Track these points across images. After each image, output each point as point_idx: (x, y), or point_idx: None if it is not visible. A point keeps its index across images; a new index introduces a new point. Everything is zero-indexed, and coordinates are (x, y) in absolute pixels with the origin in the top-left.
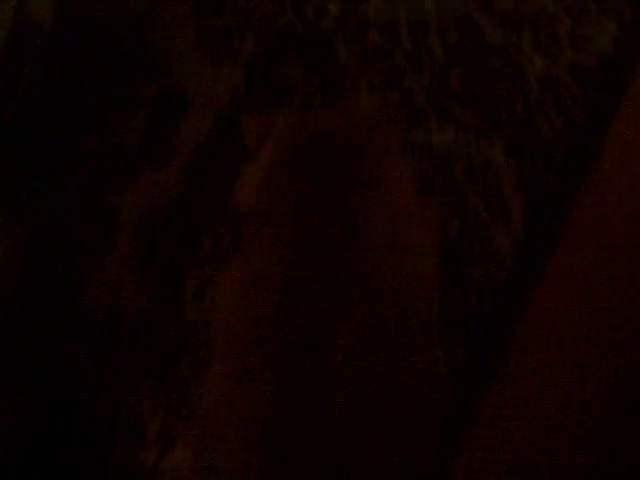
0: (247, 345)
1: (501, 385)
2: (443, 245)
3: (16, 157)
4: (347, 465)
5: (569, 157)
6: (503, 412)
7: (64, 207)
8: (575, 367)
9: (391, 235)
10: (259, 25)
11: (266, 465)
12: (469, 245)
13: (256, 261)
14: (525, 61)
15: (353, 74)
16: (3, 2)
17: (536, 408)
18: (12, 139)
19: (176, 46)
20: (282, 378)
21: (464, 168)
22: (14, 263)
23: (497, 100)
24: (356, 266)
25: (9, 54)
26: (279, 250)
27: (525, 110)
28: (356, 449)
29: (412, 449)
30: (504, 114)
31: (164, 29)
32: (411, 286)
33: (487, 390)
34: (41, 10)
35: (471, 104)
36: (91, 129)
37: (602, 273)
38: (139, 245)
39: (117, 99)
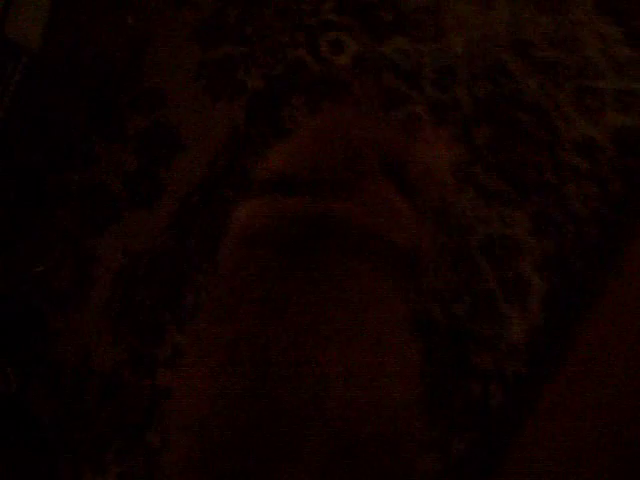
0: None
1: None
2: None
3: None
4: None
5: (602, 235)
6: None
7: (39, 251)
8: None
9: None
10: (266, 58)
11: None
12: (478, 328)
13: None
14: (561, 121)
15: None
16: None
17: None
18: None
19: (174, 76)
20: None
21: (480, 240)
22: None
23: (525, 164)
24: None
25: None
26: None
27: (557, 178)
28: None
29: None
30: (532, 181)
31: (162, 57)
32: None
33: None
34: (28, 31)
35: (496, 167)
36: (74, 163)
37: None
38: (116, 296)
39: (105, 131)
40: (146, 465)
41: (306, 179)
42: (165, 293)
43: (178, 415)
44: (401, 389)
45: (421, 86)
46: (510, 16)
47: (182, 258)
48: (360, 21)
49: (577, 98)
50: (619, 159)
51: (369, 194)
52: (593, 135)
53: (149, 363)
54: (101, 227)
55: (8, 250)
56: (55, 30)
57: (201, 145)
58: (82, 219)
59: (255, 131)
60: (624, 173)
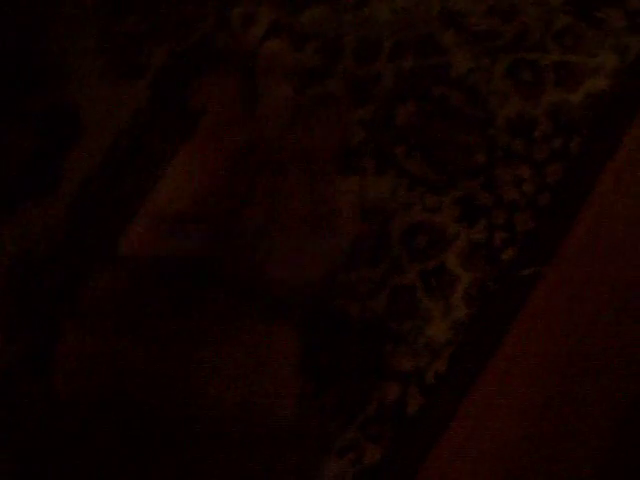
0: None
1: None
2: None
3: None
4: None
5: (535, 222)
6: None
7: None
8: None
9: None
10: (173, 33)
11: None
12: (397, 325)
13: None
14: (494, 97)
15: None
16: None
17: None
18: None
19: (74, 53)
20: None
21: (402, 229)
22: None
23: (453, 145)
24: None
25: None
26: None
27: (487, 160)
28: None
29: None
30: (460, 165)
31: (62, 31)
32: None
33: None
34: None
35: (419, 148)
36: None
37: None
38: (9, 292)
39: (0, 113)
40: None
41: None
42: (61, 286)
43: None
44: (276, 385)
45: (341, 59)
46: None
47: (80, 250)
48: None
49: (512, 72)
50: (556, 138)
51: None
52: (528, 112)
53: (46, 364)
54: None
55: None
56: None
57: (102, 126)
58: None
59: (160, 111)
60: (560, 154)
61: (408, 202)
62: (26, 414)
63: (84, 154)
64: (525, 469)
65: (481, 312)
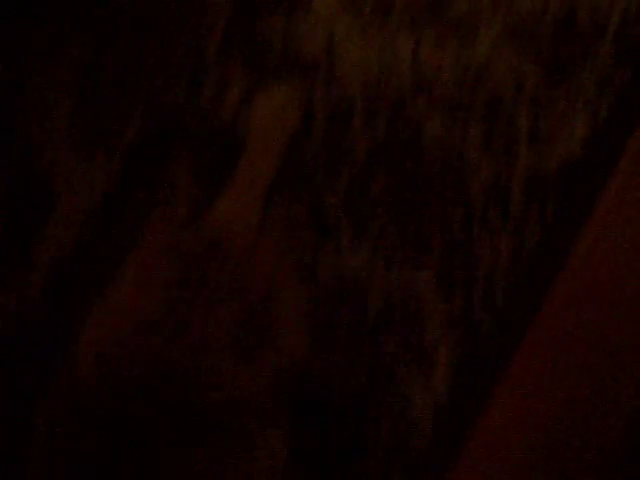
0: None
1: None
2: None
3: None
4: None
5: (515, 292)
6: None
7: None
8: None
9: None
10: (146, 103)
11: None
12: (377, 405)
13: None
14: (468, 166)
15: None
16: None
17: None
18: None
19: (47, 126)
20: None
21: (378, 303)
22: None
23: (429, 215)
24: None
25: None
26: None
27: (464, 229)
28: None
29: None
30: (437, 234)
31: (35, 99)
32: None
33: None
34: None
35: (395, 219)
36: None
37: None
38: None
39: None
40: None
41: None
42: (32, 370)
43: None
44: None
45: (313, 133)
46: (412, 53)
47: (53, 331)
48: (245, 65)
49: (486, 139)
50: (532, 206)
51: None
52: (504, 180)
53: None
54: None
55: None
56: None
57: (74, 204)
58: None
59: (133, 186)
60: (538, 222)
61: (384, 278)
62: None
63: (57, 231)
64: None
65: (462, 387)
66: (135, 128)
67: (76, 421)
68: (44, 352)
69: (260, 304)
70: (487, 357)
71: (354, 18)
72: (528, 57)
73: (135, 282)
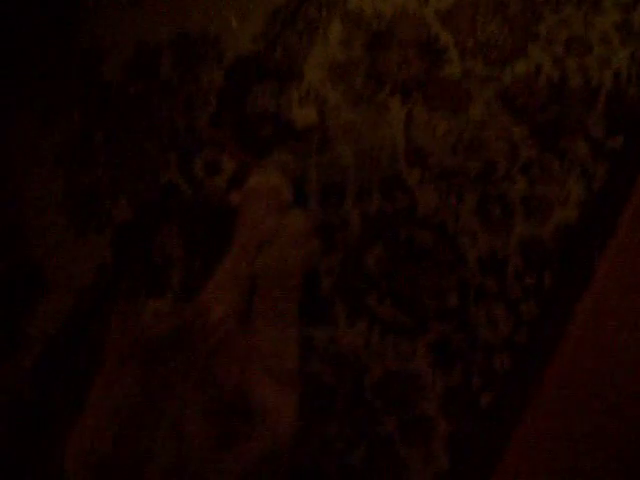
0: None
1: None
2: None
3: None
4: None
5: (513, 363)
6: None
7: None
8: None
9: None
10: (135, 184)
11: None
12: (377, 474)
13: None
14: (463, 235)
15: None
16: None
17: None
18: None
19: (37, 208)
20: None
21: (375, 379)
22: None
23: (425, 285)
24: None
25: None
26: None
27: (460, 301)
28: None
29: None
30: (432, 306)
31: (23, 185)
32: None
33: None
34: None
35: (390, 293)
36: None
37: None
38: None
39: None
40: None
41: None
42: (29, 449)
43: None
44: None
45: (306, 205)
46: (405, 121)
47: (47, 410)
48: (237, 137)
49: (480, 208)
50: (528, 274)
51: None
52: (499, 249)
53: None
54: None
55: None
56: None
57: (65, 285)
58: None
59: (124, 266)
60: (534, 291)
61: (381, 351)
62: None
63: (48, 313)
64: None
65: (463, 459)
66: (126, 204)
67: None
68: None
69: (238, 391)
70: (488, 427)
71: (346, 87)
72: (522, 122)
73: (111, 369)
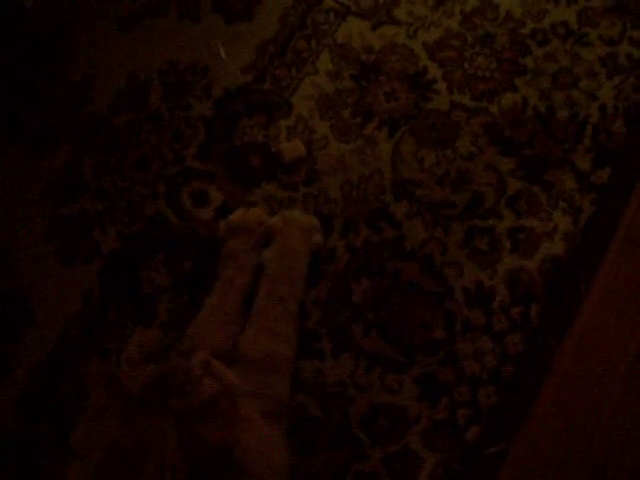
0: None
1: None
2: None
3: None
4: None
5: (499, 397)
6: None
7: None
8: None
9: None
10: (123, 214)
11: None
12: None
13: None
14: (450, 267)
15: None
16: None
17: None
18: None
19: (23, 238)
20: None
21: (361, 412)
22: None
23: (411, 317)
24: None
25: None
26: None
27: (446, 334)
28: None
29: None
30: (418, 339)
31: (11, 214)
32: None
33: None
34: None
35: (376, 326)
36: None
37: None
38: None
39: None
40: None
41: None
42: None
43: None
44: None
45: None
46: (392, 153)
47: (32, 444)
48: (225, 168)
49: (467, 241)
50: (514, 307)
51: None
52: (485, 281)
53: None
54: None
55: None
56: None
57: (52, 315)
58: None
59: (110, 297)
60: (520, 324)
61: (367, 384)
62: None
63: (34, 342)
64: None
65: None
66: (115, 233)
67: None
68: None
69: (223, 444)
70: (473, 461)
71: (334, 118)
72: (509, 154)
73: (94, 415)
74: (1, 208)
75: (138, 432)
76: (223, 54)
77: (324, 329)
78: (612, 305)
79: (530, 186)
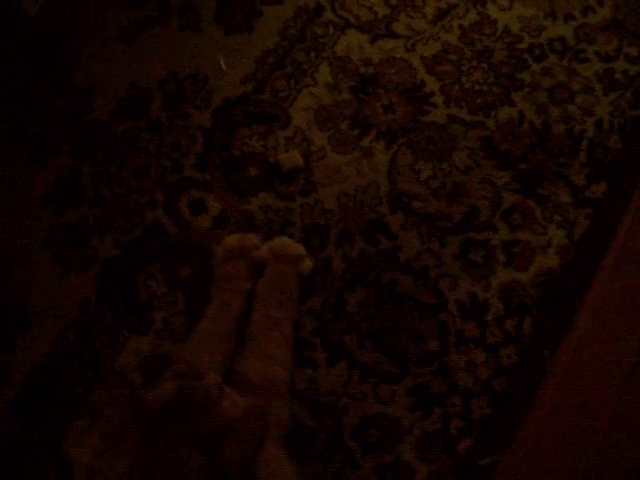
0: None
1: None
2: None
3: None
4: None
5: (491, 409)
6: None
7: None
8: None
9: None
10: (122, 221)
11: None
12: None
13: None
14: (445, 279)
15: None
16: None
17: None
18: None
19: (21, 244)
20: None
21: (355, 422)
22: None
23: (404, 334)
24: None
25: None
26: None
27: (439, 345)
28: None
29: None
30: (412, 350)
31: (10, 220)
32: None
33: None
34: None
35: (370, 336)
36: None
37: None
38: None
39: None
40: None
41: None
42: None
43: None
44: None
45: None
46: (389, 166)
47: (25, 451)
48: (223, 177)
49: (462, 253)
50: (509, 320)
51: None
52: (479, 293)
53: None
54: None
55: None
56: None
57: (49, 320)
58: None
59: (107, 304)
60: (514, 336)
61: (360, 394)
62: None
63: (30, 347)
64: None
65: None
66: (113, 241)
67: None
68: None
69: (246, 464)
70: (466, 472)
71: (332, 130)
72: (505, 168)
73: (107, 434)
74: (0, 214)
75: (159, 451)
76: (223, 65)
77: (318, 339)
78: (605, 319)
79: (525, 200)
